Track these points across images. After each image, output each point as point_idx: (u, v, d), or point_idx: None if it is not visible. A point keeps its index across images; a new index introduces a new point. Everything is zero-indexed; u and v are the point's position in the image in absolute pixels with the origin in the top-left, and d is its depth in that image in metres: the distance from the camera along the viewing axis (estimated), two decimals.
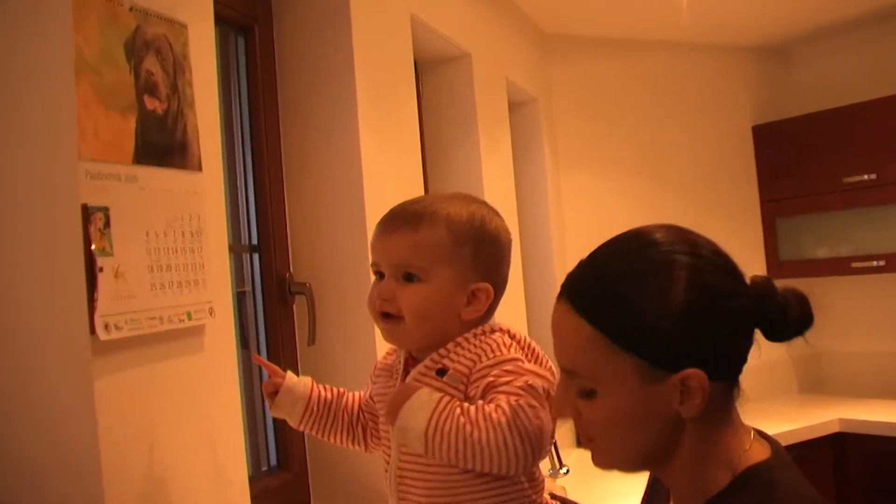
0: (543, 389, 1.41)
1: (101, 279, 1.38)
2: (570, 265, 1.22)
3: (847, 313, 4.69)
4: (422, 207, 1.50)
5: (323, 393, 1.67)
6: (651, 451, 1.17)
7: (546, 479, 3.01)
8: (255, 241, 2.36)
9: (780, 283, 1.20)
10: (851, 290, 4.68)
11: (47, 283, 1.38)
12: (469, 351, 1.47)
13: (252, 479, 2.30)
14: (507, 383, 1.40)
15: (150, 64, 1.57)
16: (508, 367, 1.42)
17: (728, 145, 4.74)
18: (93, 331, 1.36)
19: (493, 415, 1.35)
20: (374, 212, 2.42)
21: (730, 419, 1.19)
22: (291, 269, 2.42)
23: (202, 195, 1.68)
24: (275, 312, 2.35)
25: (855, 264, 4.32)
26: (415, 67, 3.34)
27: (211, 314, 1.68)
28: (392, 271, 1.48)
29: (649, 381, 1.12)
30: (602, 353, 1.13)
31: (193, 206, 1.66)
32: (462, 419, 1.36)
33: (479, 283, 1.48)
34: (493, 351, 1.45)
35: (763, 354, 1.21)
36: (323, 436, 1.68)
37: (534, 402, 1.38)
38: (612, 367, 1.13)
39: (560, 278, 1.23)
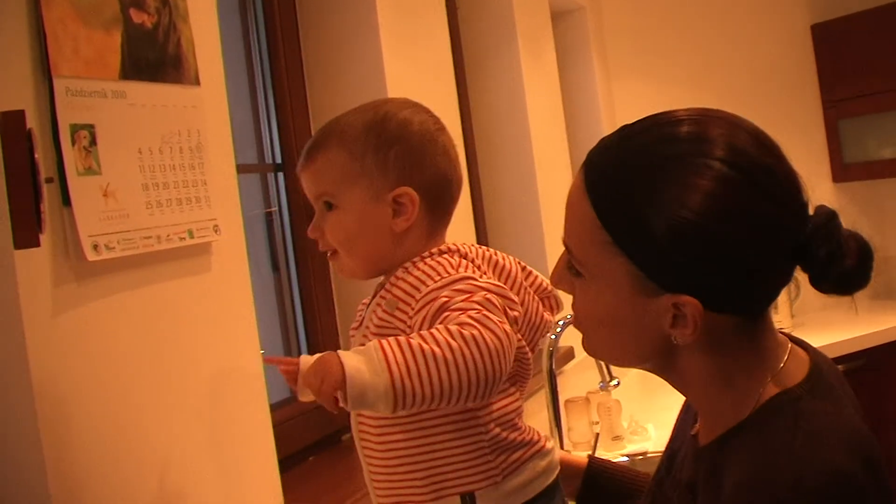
0: (502, 305, 1.26)
1: (85, 198, 1.34)
2: None
3: None
4: (319, 133, 1.40)
5: None
6: (643, 358, 1.08)
7: (598, 393, 2.96)
8: (279, 160, 2.32)
9: (844, 224, 1.03)
10: None
11: None
12: (412, 275, 1.34)
13: (289, 401, 2.28)
14: (463, 300, 1.23)
15: None
16: (460, 285, 1.26)
17: (786, 47, 4.50)
18: (78, 253, 1.33)
19: (463, 331, 1.16)
20: None
21: (754, 346, 1.03)
22: None
23: (202, 110, 1.63)
24: (303, 232, 2.30)
25: None
26: None
27: (216, 232, 1.63)
28: (316, 205, 1.40)
29: (640, 291, 1.00)
30: (598, 247, 1.01)
31: (192, 121, 1.61)
32: (426, 345, 1.15)
33: (396, 189, 1.35)
34: (440, 273, 1.30)
35: None
36: None
37: (496, 316, 1.21)
38: (606, 263, 1.02)
39: None
